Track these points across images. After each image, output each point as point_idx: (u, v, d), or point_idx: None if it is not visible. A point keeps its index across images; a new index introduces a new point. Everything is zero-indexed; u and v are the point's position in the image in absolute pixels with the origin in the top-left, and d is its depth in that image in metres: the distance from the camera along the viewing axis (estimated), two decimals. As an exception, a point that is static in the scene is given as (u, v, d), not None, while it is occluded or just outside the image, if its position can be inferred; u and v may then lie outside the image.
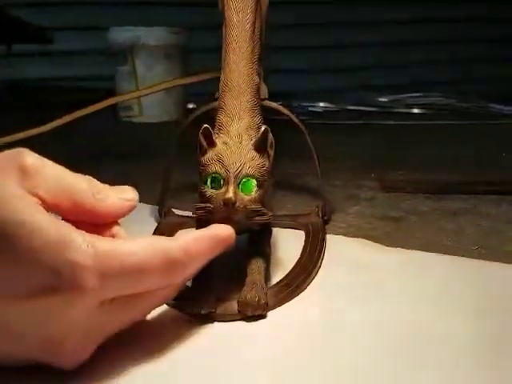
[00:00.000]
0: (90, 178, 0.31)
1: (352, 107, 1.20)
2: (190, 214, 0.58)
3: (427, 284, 0.41)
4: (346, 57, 1.60)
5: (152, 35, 1.09)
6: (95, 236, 0.28)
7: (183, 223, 0.52)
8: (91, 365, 0.29)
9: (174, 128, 1.11)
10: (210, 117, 0.45)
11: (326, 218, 0.54)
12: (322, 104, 1.22)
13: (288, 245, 0.46)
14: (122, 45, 1.09)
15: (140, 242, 0.30)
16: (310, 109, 1.21)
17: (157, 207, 0.55)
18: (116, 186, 0.32)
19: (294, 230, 0.52)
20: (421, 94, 1.21)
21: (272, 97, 0.50)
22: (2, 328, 0.28)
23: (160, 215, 0.54)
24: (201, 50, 1.20)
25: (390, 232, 0.52)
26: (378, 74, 1.59)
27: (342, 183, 0.67)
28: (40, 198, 0.28)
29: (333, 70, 1.58)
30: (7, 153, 0.29)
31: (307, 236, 0.50)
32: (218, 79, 0.50)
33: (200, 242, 0.32)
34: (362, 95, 1.26)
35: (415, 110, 1.15)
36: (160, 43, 1.09)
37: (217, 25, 0.47)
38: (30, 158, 0.29)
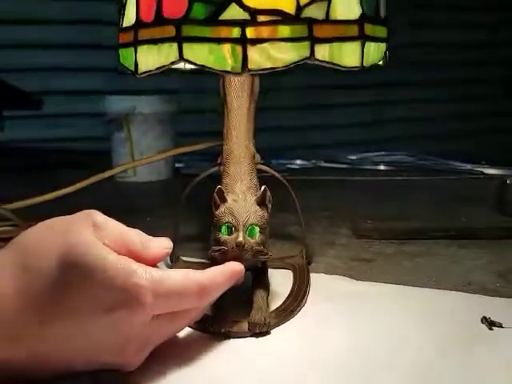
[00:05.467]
0: (138, 230, 0.43)
1: (325, 164, 1.34)
2: (195, 259, 0.69)
3: (400, 308, 0.53)
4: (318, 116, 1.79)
5: (146, 104, 1.21)
6: (149, 267, 0.39)
7: (190, 267, 0.63)
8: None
9: (165, 187, 1.23)
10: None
11: (308, 259, 0.65)
12: (298, 161, 1.36)
13: (280, 280, 0.57)
14: (119, 114, 1.21)
15: (181, 273, 0.41)
16: (288, 166, 1.35)
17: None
18: (156, 238, 0.44)
19: (282, 269, 0.63)
20: (386, 153, 1.36)
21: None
22: (82, 335, 0.38)
23: (171, 261, 0.65)
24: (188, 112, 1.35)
25: (363, 270, 0.64)
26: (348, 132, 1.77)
27: (320, 230, 0.79)
28: (106, 246, 0.39)
29: (307, 128, 1.76)
30: (82, 213, 0.41)
31: (295, 274, 0.61)
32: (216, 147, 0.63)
33: (222, 275, 0.44)
34: (333, 153, 1.40)
35: (381, 167, 1.29)
36: (153, 111, 1.22)
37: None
38: (99, 216, 0.40)
